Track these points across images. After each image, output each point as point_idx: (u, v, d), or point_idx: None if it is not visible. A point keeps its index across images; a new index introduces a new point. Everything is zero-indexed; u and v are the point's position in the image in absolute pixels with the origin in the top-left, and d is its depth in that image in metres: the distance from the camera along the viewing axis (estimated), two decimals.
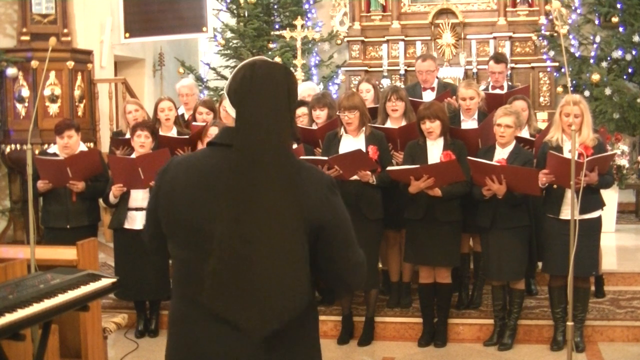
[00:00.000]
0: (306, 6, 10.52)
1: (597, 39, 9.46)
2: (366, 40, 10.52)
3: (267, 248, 1.88)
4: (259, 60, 2.01)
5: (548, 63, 9.89)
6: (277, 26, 10.25)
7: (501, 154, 4.98)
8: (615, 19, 9.34)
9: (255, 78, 1.96)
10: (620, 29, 9.32)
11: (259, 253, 1.87)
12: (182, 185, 2.00)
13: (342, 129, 5.19)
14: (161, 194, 2.05)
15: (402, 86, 8.64)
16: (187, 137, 5.84)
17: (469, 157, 4.95)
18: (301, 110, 6.05)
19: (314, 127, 5.78)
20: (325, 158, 5.02)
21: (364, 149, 5.04)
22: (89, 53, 8.23)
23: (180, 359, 2.05)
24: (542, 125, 6.42)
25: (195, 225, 1.95)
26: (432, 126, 5.00)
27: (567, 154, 4.71)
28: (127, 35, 9.06)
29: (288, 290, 1.90)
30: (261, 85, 1.95)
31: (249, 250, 1.88)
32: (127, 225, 5.40)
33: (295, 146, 5.28)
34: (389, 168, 5.07)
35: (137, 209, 5.37)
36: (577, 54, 9.55)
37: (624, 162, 7.77)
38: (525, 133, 5.50)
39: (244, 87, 1.97)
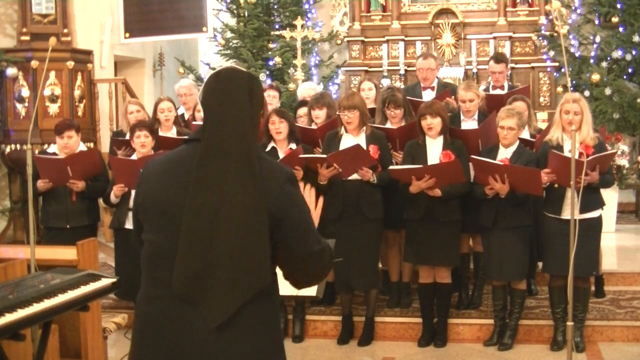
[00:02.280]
0: (306, 6, 10.51)
1: (597, 39, 9.45)
2: (366, 40, 10.51)
3: (229, 232, 2.03)
4: (223, 69, 2.23)
5: (548, 63, 9.89)
6: (277, 26, 10.24)
7: (504, 154, 4.99)
8: (615, 19, 9.34)
9: (219, 83, 2.17)
10: (620, 29, 9.31)
11: (222, 237, 2.03)
12: (155, 176, 2.19)
13: (343, 129, 5.19)
14: (140, 188, 2.24)
15: (402, 86, 8.65)
16: (186, 137, 5.83)
17: (473, 156, 4.95)
18: (302, 111, 6.06)
19: (314, 127, 5.78)
20: (324, 156, 5.02)
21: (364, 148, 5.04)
22: (89, 53, 8.23)
23: (140, 337, 2.16)
24: (542, 125, 6.41)
25: (164, 209, 2.12)
26: (433, 122, 5.01)
27: (567, 153, 4.71)
28: (127, 35, 9.05)
29: (248, 272, 2.05)
30: (224, 88, 2.16)
31: (212, 236, 2.03)
32: (127, 226, 5.39)
33: (294, 146, 5.29)
34: (390, 167, 5.08)
35: None
36: (577, 54, 9.55)
37: (624, 162, 7.76)
38: (525, 133, 5.50)
39: (208, 91, 2.18)
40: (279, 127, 5.28)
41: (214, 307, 2.03)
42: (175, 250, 2.05)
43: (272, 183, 2.12)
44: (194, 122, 6.20)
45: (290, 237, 2.13)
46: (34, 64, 7.60)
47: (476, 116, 5.62)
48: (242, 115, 2.13)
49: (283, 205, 2.11)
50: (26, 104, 7.70)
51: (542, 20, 9.90)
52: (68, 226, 5.48)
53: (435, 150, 5.07)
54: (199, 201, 2.04)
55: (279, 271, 2.23)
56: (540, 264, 5.36)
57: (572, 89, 8.07)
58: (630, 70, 9.19)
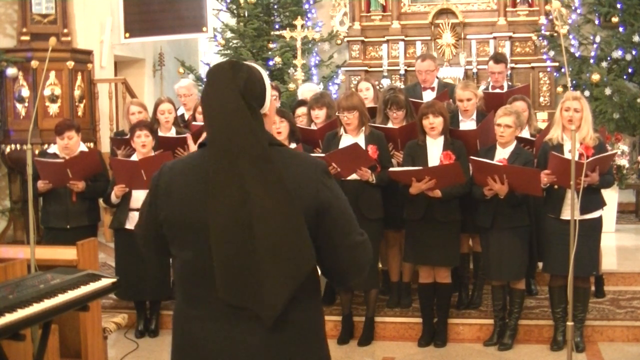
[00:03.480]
0: (306, 6, 10.52)
1: (597, 39, 9.46)
2: (366, 40, 10.52)
3: (262, 227, 1.94)
4: (210, 68, 2.13)
5: (548, 63, 9.89)
6: (277, 26, 10.25)
7: (502, 154, 4.99)
8: (615, 19, 9.34)
9: (208, 80, 2.07)
10: (620, 29, 9.32)
11: (257, 237, 1.94)
12: (178, 188, 2.07)
13: (342, 129, 5.20)
14: (159, 199, 2.11)
15: (402, 86, 8.64)
16: (186, 135, 5.84)
17: (472, 157, 4.95)
18: (301, 110, 6.06)
19: (313, 127, 5.78)
20: (322, 155, 5.02)
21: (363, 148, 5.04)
22: (89, 53, 8.24)
23: (183, 357, 2.09)
24: (542, 125, 6.41)
25: (195, 224, 2.01)
26: (435, 121, 5.01)
27: (567, 153, 4.71)
28: (127, 35, 9.06)
29: (291, 260, 1.95)
30: (212, 85, 2.05)
31: (248, 237, 1.94)
32: (128, 226, 5.40)
33: (294, 146, 5.29)
34: (390, 169, 5.08)
35: (138, 210, 5.35)
36: (577, 54, 9.55)
37: (624, 162, 7.77)
38: (525, 133, 5.51)
39: (202, 94, 2.11)
40: (279, 127, 5.29)
41: (265, 303, 1.94)
42: (209, 267, 1.97)
43: (308, 176, 2.03)
44: (194, 123, 6.20)
45: (333, 228, 2.04)
46: (34, 64, 7.61)
47: (474, 116, 5.63)
48: (237, 112, 2.00)
49: (323, 197, 2.03)
50: (26, 104, 7.70)
51: (542, 20, 9.91)
52: (68, 226, 5.48)
53: (435, 151, 5.07)
54: (222, 206, 1.96)
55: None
56: (540, 264, 5.37)
57: (572, 89, 8.06)
58: (630, 70, 9.19)
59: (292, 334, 2.02)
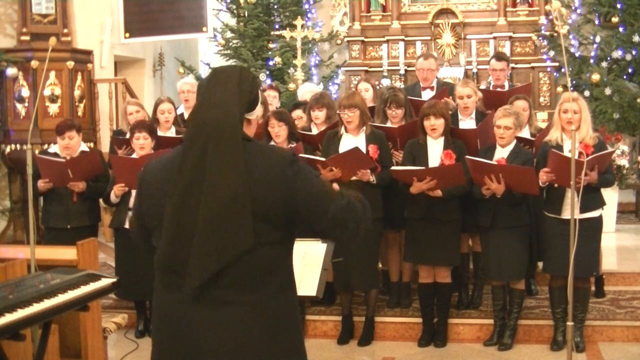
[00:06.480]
0: (306, 6, 10.52)
1: (597, 39, 9.46)
2: (366, 40, 10.51)
3: (208, 204, 2.06)
4: (219, 67, 2.29)
5: (548, 63, 9.89)
6: (277, 26, 10.25)
7: (501, 154, 4.99)
8: (615, 19, 9.34)
9: (209, 78, 2.23)
10: (620, 29, 9.31)
11: (201, 210, 2.06)
12: (156, 181, 2.22)
13: (343, 128, 5.19)
14: (142, 197, 2.28)
15: (402, 86, 8.64)
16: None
17: (468, 157, 4.95)
18: (296, 114, 6.01)
19: (312, 127, 5.77)
20: (324, 159, 5.00)
21: (364, 148, 5.03)
22: (89, 53, 8.24)
23: (160, 342, 2.22)
24: (543, 125, 6.42)
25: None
26: (436, 123, 5.01)
27: (567, 154, 4.71)
28: (127, 35, 9.06)
29: (225, 238, 2.06)
30: (211, 82, 2.21)
31: (194, 210, 2.08)
32: (127, 225, 5.40)
33: (294, 145, 5.29)
34: (393, 168, 5.08)
35: None
36: (577, 54, 9.55)
37: (624, 162, 7.76)
38: (526, 133, 5.51)
39: (199, 89, 2.25)
40: (277, 131, 5.28)
41: (190, 271, 2.07)
42: (184, 256, 2.10)
43: (276, 172, 2.13)
44: None
45: (310, 212, 2.15)
46: (34, 64, 7.61)
47: (474, 115, 5.63)
48: (226, 109, 2.14)
49: (293, 189, 2.13)
50: (26, 104, 7.70)
51: (542, 20, 9.90)
52: (69, 226, 5.48)
53: (436, 150, 5.07)
54: (180, 183, 2.11)
55: (295, 269, 2.27)
56: (540, 264, 5.37)
57: (572, 89, 8.06)
58: (630, 70, 9.19)
59: (265, 321, 2.11)
